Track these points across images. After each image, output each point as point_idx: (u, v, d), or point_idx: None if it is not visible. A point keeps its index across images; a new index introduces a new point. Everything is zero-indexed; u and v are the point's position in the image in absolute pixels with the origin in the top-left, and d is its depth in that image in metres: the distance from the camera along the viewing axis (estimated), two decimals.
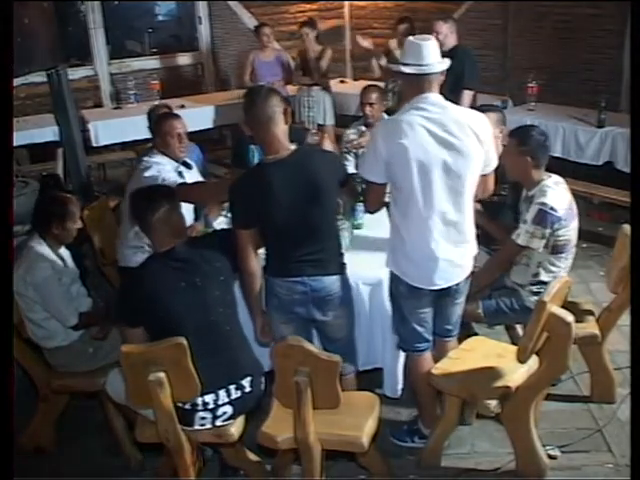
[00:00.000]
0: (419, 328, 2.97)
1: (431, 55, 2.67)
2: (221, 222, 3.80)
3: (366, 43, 5.92)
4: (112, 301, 3.61)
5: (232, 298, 2.77)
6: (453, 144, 2.66)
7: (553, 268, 3.16)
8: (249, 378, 2.71)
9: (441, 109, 2.68)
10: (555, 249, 3.12)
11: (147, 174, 3.46)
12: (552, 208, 3.01)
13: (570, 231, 3.12)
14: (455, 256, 2.82)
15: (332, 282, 2.81)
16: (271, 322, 2.87)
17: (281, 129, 2.68)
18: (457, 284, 2.90)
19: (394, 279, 2.92)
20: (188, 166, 3.72)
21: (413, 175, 2.65)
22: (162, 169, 3.49)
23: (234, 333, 2.74)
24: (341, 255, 2.92)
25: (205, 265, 2.65)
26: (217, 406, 2.64)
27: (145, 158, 3.61)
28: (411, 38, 2.73)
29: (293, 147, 2.72)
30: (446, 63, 2.71)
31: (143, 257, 3.51)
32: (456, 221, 2.76)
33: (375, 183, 2.78)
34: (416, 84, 2.69)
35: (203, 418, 2.65)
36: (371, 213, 3.06)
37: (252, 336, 3.05)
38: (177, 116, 3.75)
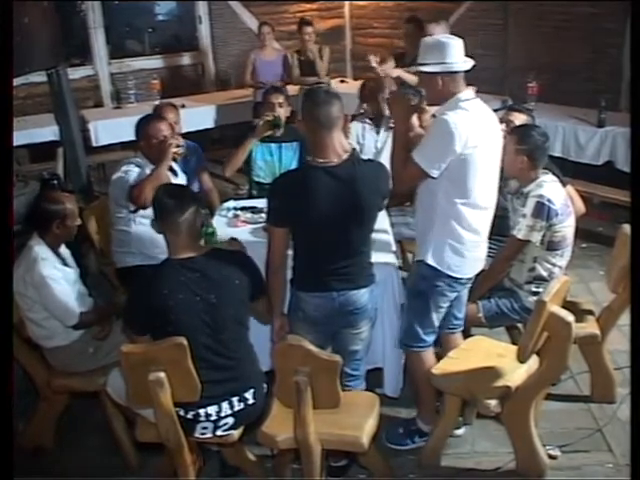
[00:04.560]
0: (436, 322, 3.01)
1: (460, 53, 2.74)
2: (220, 221, 3.81)
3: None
4: (113, 301, 3.63)
5: (246, 316, 2.70)
6: (495, 142, 2.83)
7: (548, 265, 3.18)
8: (252, 390, 2.69)
9: (483, 106, 2.82)
10: (551, 245, 3.14)
11: (114, 176, 3.55)
12: (549, 200, 3.06)
13: (566, 228, 3.14)
14: (486, 243, 2.97)
15: (361, 295, 2.76)
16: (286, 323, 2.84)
17: (338, 135, 2.63)
18: None
19: (430, 274, 2.87)
20: (174, 172, 3.67)
21: (477, 173, 2.73)
22: (132, 173, 3.48)
23: (243, 348, 2.70)
24: (370, 265, 2.83)
25: (223, 281, 2.57)
26: (219, 418, 2.63)
27: (126, 160, 3.62)
28: (439, 37, 2.76)
29: (346, 156, 2.65)
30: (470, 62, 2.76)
31: (133, 259, 3.54)
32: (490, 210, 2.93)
33: (424, 172, 2.70)
34: (451, 83, 2.72)
35: (204, 428, 2.63)
36: (402, 191, 2.95)
37: (257, 334, 3.05)
38: (163, 119, 3.68)
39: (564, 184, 3.31)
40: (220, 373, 2.60)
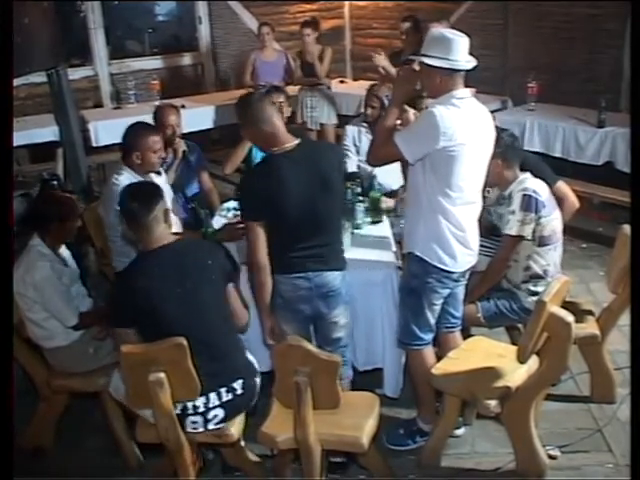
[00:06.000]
0: (432, 319, 3.02)
1: (465, 51, 2.74)
2: (220, 221, 3.81)
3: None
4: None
5: (223, 299, 2.72)
6: (487, 142, 2.84)
7: (542, 261, 3.21)
8: (241, 381, 2.68)
9: (476, 105, 2.82)
10: (542, 240, 3.17)
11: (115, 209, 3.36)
12: (535, 191, 3.12)
13: (554, 221, 3.18)
14: (477, 236, 2.96)
15: (334, 278, 2.84)
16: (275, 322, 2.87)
17: (280, 123, 2.78)
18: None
19: (421, 270, 2.90)
20: (157, 172, 3.64)
21: (464, 170, 2.74)
22: None
23: (226, 336, 2.71)
24: (342, 251, 2.95)
25: (196, 263, 2.62)
26: (208, 409, 2.62)
27: (115, 177, 3.45)
28: (446, 32, 2.75)
29: (297, 141, 2.77)
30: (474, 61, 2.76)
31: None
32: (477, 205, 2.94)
33: (402, 154, 2.75)
34: (450, 80, 2.72)
35: (194, 422, 2.63)
36: (371, 165, 3.17)
37: (254, 336, 3.06)
38: (154, 129, 3.61)
39: (550, 184, 3.32)
40: (206, 363, 2.57)
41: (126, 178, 3.43)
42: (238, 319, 2.81)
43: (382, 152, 2.86)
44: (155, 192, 2.68)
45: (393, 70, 4.75)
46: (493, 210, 3.37)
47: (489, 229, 3.39)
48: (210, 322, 2.63)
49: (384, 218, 3.80)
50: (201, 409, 2.62)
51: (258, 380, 2.80)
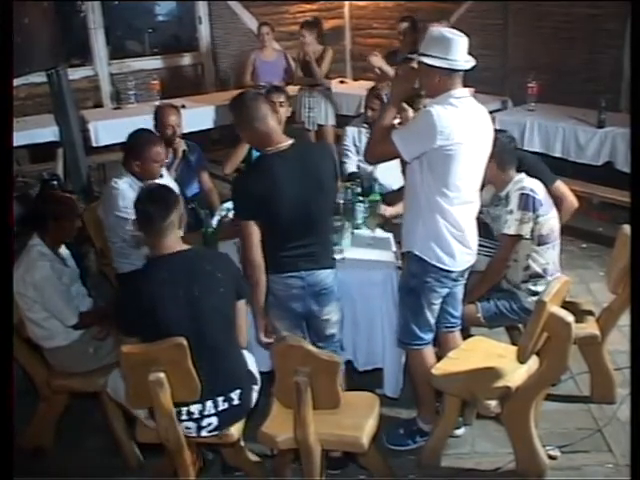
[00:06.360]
0: (431, 319, 3.02)
1: (464, 51, 2.74)
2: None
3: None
4: (112, 301, 3.62)
5: (229, 311, 2.69)
6: (484, 142, 2.84)
7: (542, 260, 3.22)
8: (238, 391, 2.67)
9: (475, 105, 2.83)
10: (541, 239, 3.18)
11: (122, 203, 3.39)
12: (532, 190, 3.14)
13: (551, 219, 3.20)
14: (476, 235, 2.97)
15: (326, 276, 2.88)
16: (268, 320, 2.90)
17: (274, 123, 2.80)
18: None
19: (420, 269, 2.90)
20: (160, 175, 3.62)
21: (461, 169, 2.75)
22: (129, 197, 3.31)
23: (227, 345, 2.69)
24: (333, 250, 3.01)
25: (205, 273, 2.59)
26: (202, 417, 2.61)
27: (115, 181, 3.48)
28: (445, 32, 2.74)
29: (290, 141, 2.79)
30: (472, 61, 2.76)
31: (132, 267, 3.46)
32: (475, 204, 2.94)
33: (399, 153, 2.76)
34: (448, 80, 2.72)
35: (188, 428, 2.61)
36: (368, 163, 3.33)
37: (254, 336, 3.06)
38: (158, 139, 3.60)
39: (548, 184, 3.33)
40: (205, 371, 2.55)
41: (125, 182, 3.44)
42: (239, 339, 2.78)
43: (379, 150, 2.87)
44: (173, 198, 2.63)
45: (390, 70, 4.74)
46: (487, 211, 3.37)
47: (486, 229, 3.39)
48: (214, 331, 2.60)
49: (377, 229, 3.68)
50: (196, 415, 2.60)
51: (257, 387, 2.80)
